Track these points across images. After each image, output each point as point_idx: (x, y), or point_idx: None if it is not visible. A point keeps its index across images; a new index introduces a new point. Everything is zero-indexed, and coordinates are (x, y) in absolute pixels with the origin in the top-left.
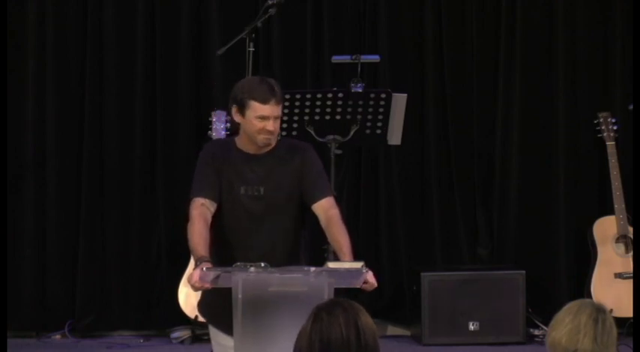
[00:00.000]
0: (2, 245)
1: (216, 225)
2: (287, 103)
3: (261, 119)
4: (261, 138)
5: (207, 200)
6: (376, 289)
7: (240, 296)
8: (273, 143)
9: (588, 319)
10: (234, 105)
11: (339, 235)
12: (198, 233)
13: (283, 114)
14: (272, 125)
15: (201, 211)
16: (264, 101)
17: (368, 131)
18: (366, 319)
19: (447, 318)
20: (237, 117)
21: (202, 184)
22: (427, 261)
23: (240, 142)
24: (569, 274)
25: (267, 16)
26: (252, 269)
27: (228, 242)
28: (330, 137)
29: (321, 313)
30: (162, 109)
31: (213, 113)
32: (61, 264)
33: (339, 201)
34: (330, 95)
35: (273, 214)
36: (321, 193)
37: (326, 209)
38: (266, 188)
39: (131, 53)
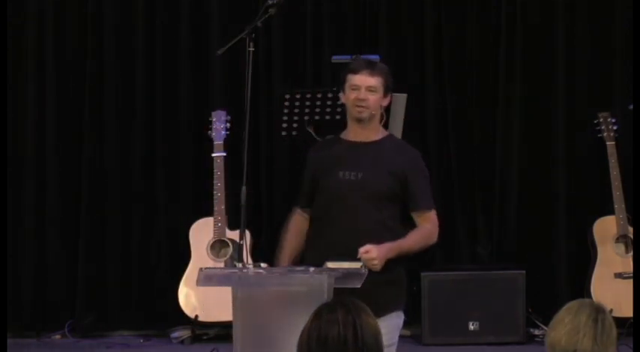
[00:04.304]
0: (2, 245)
1: (314, 218)
2: (287, 103)
3: (353, 89)
4: (354, 110)
5: (303, 209)
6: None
7: (239, 295)
8: (366, 116)
9: (588, 319)
10: (341, 88)
11: (410, 234)
12: (282, 245)
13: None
14: (363, 94)
15: (295, 220)
16: (355, 71)
17: None
18: (368, 319)
19: (447, 318)
20: (342, 98)
21: (300, 193)
22: (427, 261)
23: (346, 132)
24: (569, 274)
25: (267, 16)
26: (252, 268)
27: (320, 232)
28: (330, 137)
29: (322, 311)
30: (163, 109)
31: (213, 113)
32: (61, 264)
33: None
34: (330, 95)
35: (369, 203)
36: (424, 204)
37: (421, 221)
38: (365, 173)
39: (131, 53)
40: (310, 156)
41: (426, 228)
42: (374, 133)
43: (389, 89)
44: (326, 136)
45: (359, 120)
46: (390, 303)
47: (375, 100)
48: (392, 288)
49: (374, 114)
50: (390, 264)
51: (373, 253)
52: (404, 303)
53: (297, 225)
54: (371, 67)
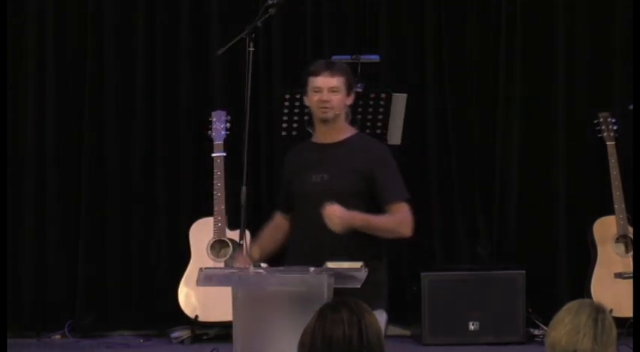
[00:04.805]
0: (2, 245)
1: (293, 222)
2: (287, 103)
3: (316, 91)
4: (319, 111)
5: (282, 214)
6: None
7: (239, 295)
8: (330, 116)
9: (588, 319)
10: (304, 91)
11: (381, 215)
12: (258, 236)
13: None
14: (326, 95)
15: (275, 219)
16: (315, 73)
17: (368, 131)
18: (371, 319)
19: (447, 318)
20: (306, 101)
21: (279, 198)
22: (427, 261)
23: (315, 134)
24: (569, 274)
25: (267, 16)
26: (251, 268)
27: (299, 236)
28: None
29: (326, 311)
30: (163, 109)
31: (213, 113)
32: (61, 264)
33: None
34: None
35: (336, 202)
36: (392, 197)
37: (392, 213)
38: (331, 175)
39: (131, 53)
40: (285, 161)
41: (397, 216)
42: (341, 133)
43: (351, 87)
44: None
45: (324, 121)
46: (371, 301)
47: (338, 100)
48: (373, 288)
49: (338, 114)
50: (374, 265)
51: (338, 211)
52: (385, 303)
53: (275, 222)
54: (331, 68)
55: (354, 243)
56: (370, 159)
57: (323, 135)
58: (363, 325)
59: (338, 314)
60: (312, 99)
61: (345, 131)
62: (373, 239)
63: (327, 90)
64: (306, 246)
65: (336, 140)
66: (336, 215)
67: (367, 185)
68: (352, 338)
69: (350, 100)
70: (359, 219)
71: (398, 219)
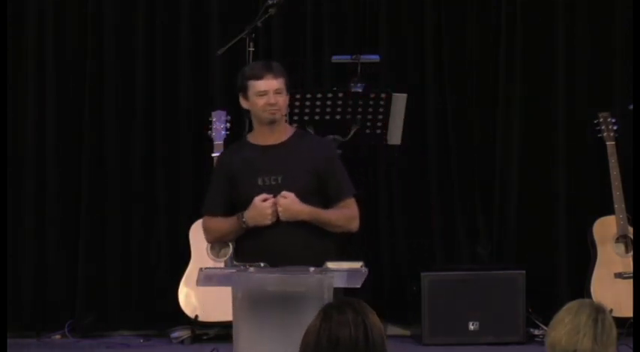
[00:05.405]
0: (2, 245)
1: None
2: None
3: (261, 95)
4: (265, 114)
5: (214, 217)
6: (376, 289)
7: (239, 295)
8: (279, 117)
9: (588, 319)
10: (240, 94)
11: (330, 209)
12: (215, 221)
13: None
14: (273, 98)
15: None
16: (259, 77)
17: (368, 131)
18: (375, 319)
19: (446, 318)
20: (244, 104)
21: (211, 201)
22: (427, 261)
23: (253, 136)
24: (569, 274)
25: (267, 16)
26: (251, 268)
27: (250, 241)
28: (330, 137)
29: (331, 311)
30: (163, 109)
31: (213, 113)
32: (61, 264)
33: None
34: (330, 95)
35: None
36: (343, 194)
37: (341, 208)
38: (284, 176)
39: (131, 53)
40: (221, 164)
41: (346, 211)
42: (283, 133)
43: (289, 87)
44: (233, 143)
45: (272, 122)
46: None
47: (283, 101)
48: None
49: (283, 114)
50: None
51: (289, 197)
52: None
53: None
54: (272, 70)
55: (315, 240)
56: (319, 158)
57: (265, 137)
58: (369, 326)
59: (343, 315)
60: (257, 103)
61: (286, 131)
62: (331, 236)
63: (273, 93)
64: (266, 247)
65: (279, 141)
66: (285, 200)
67: (319, 183)
68: (358, 339)
69: (287, 100)
70: (309, 211)
71: (347, 215)
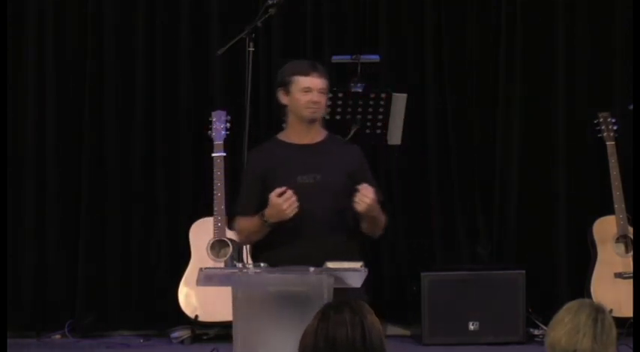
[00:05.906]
0: (2, 245)
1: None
2: None
3: (306, 91)
4: (307, 111)
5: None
6: (376, 289)
7: (239, 295)
8: (318, 117)
9: (587, 319)
10: (280, 88)
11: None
12: (244, 221)
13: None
14: (317, 96)
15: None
16: (306, 74)
17: (368, 131)
18: (373, 320)
19: (446, 318)
20: (284, 100)
21: (246, 202)
22: (427, 261)
23: (286, 134)
24: (569, 274)
25: (267, 16)
26: (251, 268)
27: (287, 238)
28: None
29: (329, 312)
30: (162, 109)
31: (213, 113)
32: (61, 264)
33: None
34: (330, 95)
35: (330, 203)
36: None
37: None
38: (322, 175)
39: (131, 53)
40: (252, 164)
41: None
42: (318, 134)
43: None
44: (264, 141)
45: (311, 121)
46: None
47: (325, 102)
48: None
49: (322, 114)
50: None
51: (371, 193)
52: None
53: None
54: (319, 69)
55: (347, 242)
56: (354, 160)
57: (300, 136)
58: (366, 326)
59: (340, 315)
60: (299, 99)
61: (321, 132)
62: (357, 239)
63: (318, 92)
64: (304, 246)
65: (315, 141)
66: (369, 195)
67: (353, 184)
68: (355, 339)
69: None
70: (377, 207)
71: (385, 220)
